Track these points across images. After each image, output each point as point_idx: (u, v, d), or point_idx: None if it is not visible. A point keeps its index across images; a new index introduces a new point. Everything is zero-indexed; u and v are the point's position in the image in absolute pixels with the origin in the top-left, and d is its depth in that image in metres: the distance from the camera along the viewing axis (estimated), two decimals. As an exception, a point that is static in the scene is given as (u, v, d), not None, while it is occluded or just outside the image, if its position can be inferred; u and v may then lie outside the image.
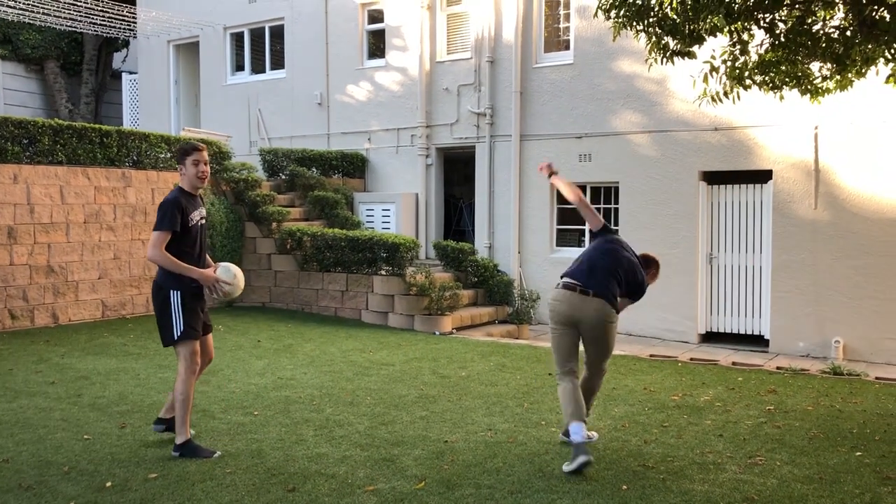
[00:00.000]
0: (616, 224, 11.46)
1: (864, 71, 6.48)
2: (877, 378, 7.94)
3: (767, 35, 6.31)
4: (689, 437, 5.58)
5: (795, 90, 6.94)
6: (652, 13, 6.07)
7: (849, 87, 6.91)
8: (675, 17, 5.95)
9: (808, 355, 9.74)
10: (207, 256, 5.24)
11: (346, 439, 5.41)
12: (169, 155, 11.43)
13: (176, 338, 4.93)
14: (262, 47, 15.65)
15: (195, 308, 5.01)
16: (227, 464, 4.86)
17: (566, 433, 5.14)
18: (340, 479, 4.62)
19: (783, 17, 6.20)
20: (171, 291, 4.93)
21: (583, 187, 11.86)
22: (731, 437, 5.60)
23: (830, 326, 9.71)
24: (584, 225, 11.90)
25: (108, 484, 4.49)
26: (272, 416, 5.95)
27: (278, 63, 15.37)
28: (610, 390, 7.04)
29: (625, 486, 4.55)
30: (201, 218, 5.18)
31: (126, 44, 19.24)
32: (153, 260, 4.89)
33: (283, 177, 13.30)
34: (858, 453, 5.26)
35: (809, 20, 6.11)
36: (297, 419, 5.90)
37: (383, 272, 10.81)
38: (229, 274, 5.05)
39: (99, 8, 14.45)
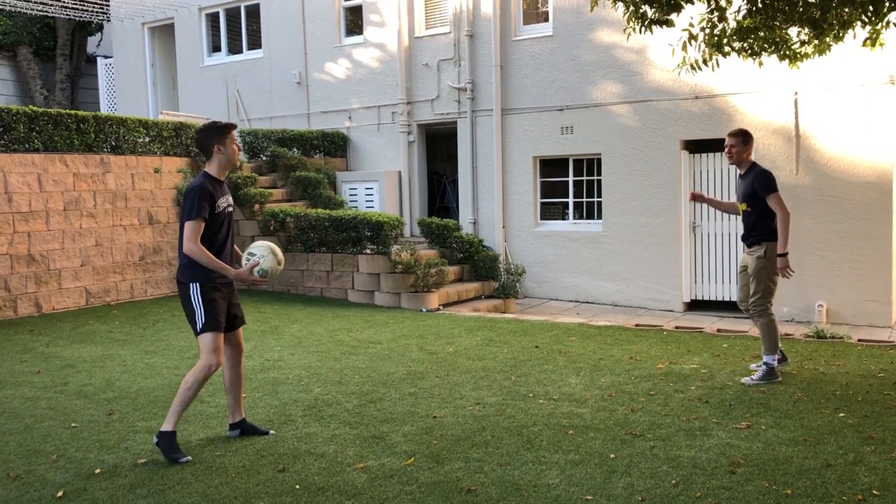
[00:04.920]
0: (599, 196, 11.48)
1: (841, 35, 6.49)
2: (859, 340, 8.03)
3: (745, 1, 6.30)
4: (676, 405, 5.64)
5: (774, 56, 6.96)
6: (628, -19, 6.04)
7: (827, 52, 6.92)
8: (651, -16, 5.93)
9: (793, 320, 9.83)
10: (235, 247, 4.96)
11: (335, 418, 5.42)
12: (148, 139, 11.32)
13: (199, 329, 4.68)
14: (238, 27, 15.46)
15: (217, 298, 4.72)
16: (217, 446, 4.87)
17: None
18: (330, 457, 4.64)
19: (760, -17, 6.19)
20: (191, 284, 4.68)
21: (565, 160, 11.86)
22: (717, 403, 5.66)
23: (813, 291, 9.80)
24: (567, 198, 11.92)
25: (97, 471, 4.49)
26: (260, 398, 5.95)
27: (255, 43, 15.20)
28: (596, 360, 7.09)
29: (613, 455, 4.60)
30: (228, 205, 4.87)
31: (100, 27, 18.96)
32: (190, 254, 4.60)
33: (264, 158, 13.21)
34: (842, 415, 5.33)
35: (786, -16, 6.10)
36: (286, 400, 5.90)
37: (368, 251, 10.79)
38: (266, 261, 4.70)
39: (70, -9, 14.23)
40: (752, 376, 6.24)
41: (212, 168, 4.79)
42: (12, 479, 4.40)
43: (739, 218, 10.34)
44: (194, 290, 4.68)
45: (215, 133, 4.77)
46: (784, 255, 6.04)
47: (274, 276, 4.82)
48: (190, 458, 4.61)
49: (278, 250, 4.82)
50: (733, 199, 10.35)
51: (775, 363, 6.23)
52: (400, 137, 13.19)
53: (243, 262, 4.77)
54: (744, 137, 6.31)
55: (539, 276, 11.90)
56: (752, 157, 6.41)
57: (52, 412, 5.68)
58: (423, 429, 5.15)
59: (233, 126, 4.86)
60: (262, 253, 4.74)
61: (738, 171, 6.40)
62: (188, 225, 4.60)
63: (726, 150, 6.34)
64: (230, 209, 4.90)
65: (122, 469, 4.51)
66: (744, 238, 6.39)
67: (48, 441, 5.04)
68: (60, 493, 4.17)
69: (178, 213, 11.56)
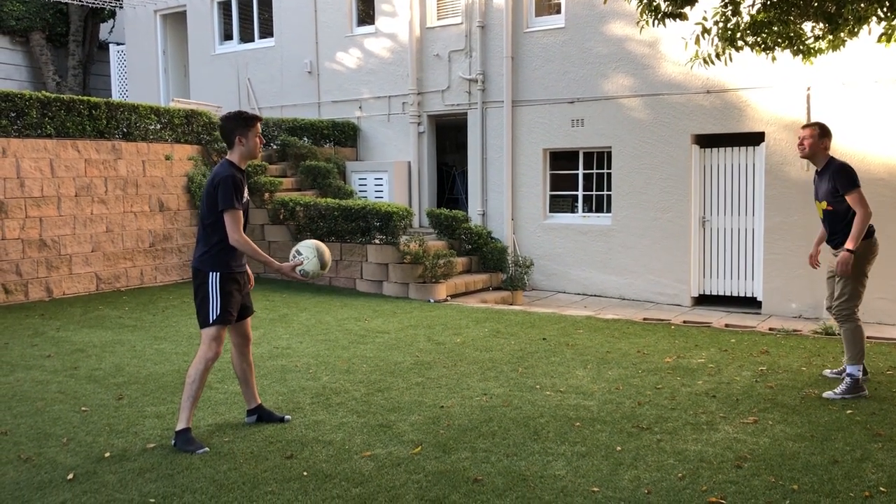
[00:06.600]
0: (609, 189, 11.45)
1: (856, 30, 6.45)
2: (868, 337, 7.97)
3: (759, -5, 6.27)
4: (683, 399, 5.64)
5: (787, 51, 6.92)
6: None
7: (841, 47, 6.88)
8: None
9: (801, 316, 9.81)
10: None
11: (343, 406, 5.45)
12: (159, 126, 11.35)
13: (211, 321, 4.64)
14: (250, 15, 15.46)
15: (233, 291, 4.72)
16: (225, 432, 4.90)
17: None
18: (338, 445, 4.67)
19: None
20: (210, 273, 4.65)
21: (575, 153, 11.84)
22: (724, 398, 5.66)
23: (822, 287, 9.72)
24: (576, 191, 11.90)
25: (107, 454, 4.53)
26: (269, 385, 5.98)
27: (267, 31, 15.20)
28: (604, 353, 7.10)
29: (619, 448, 4.61)
30: (248, 193, 4.88)
31: (112, 14, 18.99)
32: (236, 245, 4.61)
33: (275, 147, 13.23)
34: (849, 411, 5.33)
35: (801, -21, 6.07)
36: (294, 387, 5.94)
37: (377, 241, 10.80)
38: (309, 264, 4.69)
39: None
40: (836, 389, 5.74)
41: (234, 157, 4.78)
42: (23, 461, 4.44)
43: (747, 214, 10.40)
44: (213, 279, 4.66)
45: (239, 124, 4.75)
46: (851, 251, 5.68)
47: (316, 278, 4.82)
48: (207, 448, 4.59)
49: (326, 252, 4.78)
50: (741, 195, 10.34)
51: (860, 374, 5.77)
52: (410, 128, 13.19)
53: (290, 256, 4.78)
54: (820, 130, 5.84)
55: (547, 268, 11.90)
56: (828, 153, 5.95)
57: (63, 396, 5.73)
58: (430, 418, 5.17)
59: (258, 119, 4.83)
60: (307, 255, 4.71)
61: (815, 168, 5.97)
62: (229, 215, 4.60)
63: (798, 142, 5.94)
64: (249, 198, 4.92)
65: (131, 453, 4.55)
66: (829, 241, 5.99)
67: (58, 424, 5.09)
68: (70, 476, 4.21)
69: (188, 201, 11.60)
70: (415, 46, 12.92)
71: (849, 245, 5.69)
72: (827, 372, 6.38)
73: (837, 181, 5.75)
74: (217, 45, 15.85)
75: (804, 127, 6.00)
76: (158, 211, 11.22)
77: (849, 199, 5.71)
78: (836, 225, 5.86)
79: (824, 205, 5.90)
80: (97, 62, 18.94)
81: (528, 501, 3.88)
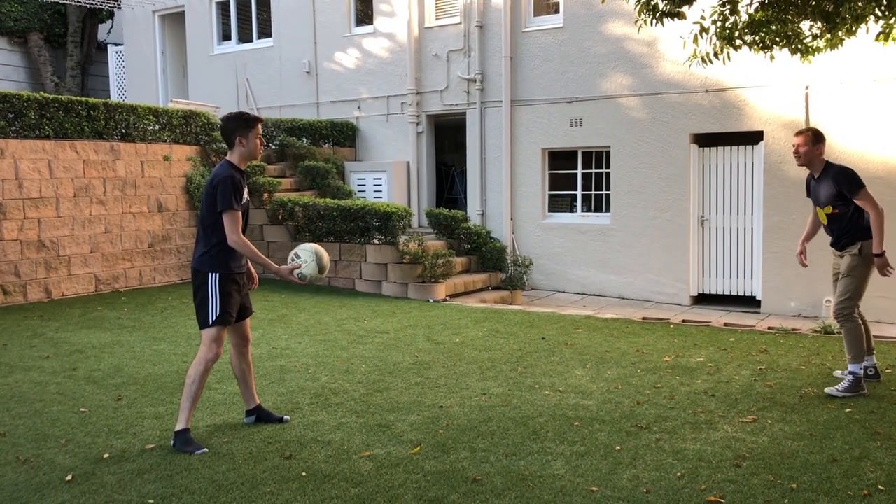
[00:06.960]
0: (608, 188, 11.45)
1: (854, 29, 6.45)
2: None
3: (757, -6, 6.27)
4: (682, 398, 5.64)
5: (786, 50, 6.92)
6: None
7: (839, 46, 6.88)
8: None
9: (800, 315, 9.81)
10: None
11: (342, 407, 5.45)
12: (157, 127, 11.35)
13: (210, 322, 4.64)
14: (248, 15, 15.45)
15: (232, 292, 4.72)
16: (224, 433, 4.90)
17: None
18: (336, 445, 4.67)
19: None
20: (210, 274, 4.64)
21: (574, 152, 11.84)
22: (723, 397, 5.66)
23: (821, 286, 9.75)
24: (575, 190, 11.90)
25: (106, 455, 4.53)
26: (268, 386, 5.98)
27: (265, 31, 15.20)
28: (603, 353, 7.10)
29: (618, 447, 4.61)
30: (248, 194, 4.87)
31: (110, 15, 18.98)
32: (234, 246, 4.59)
33: (273, 147, 13.22)
34: (848, 410, 5.33)
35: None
36: (293, 388, 5.93)
37: (376, 241, 10.80)
38: (307, 267, 4.73)
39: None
40: (837, 387, 5.71)
41: (234, 157, 4.77)
42: (22, 463, 4.44)
43: (745, 213, 10.40)
44: (213, 279, 4.66)
45: (240, 125, 4.74)
46: (881, 254, 5.66)
47: (314, 281, 4.84)
48: (206, 449, 4.58)
49: (325, 256, 4.82)
50: (740, 194, 10.34)
51: (861, 372, 5.72)
52: (409, 128, 13.18)
53: (289, 259, 4.78)
54: (814, 136, 5.85)
55: (546, 268, 11.90)
56: (824, 157, 5.94)
57: (61, 397, 5.73)
58: (429, 418, 5.17)
59: (258, 120, 4.82)
60: (306, 258, 4.73)
61: (812, 174, 5.97)
62: (228, 216, 4.59)
63: (793, 149, 5.93)
64: (248, 198, 4.91)
65: (130, 454, 4.55)
66: (834, 244, 5.95)
67: (57, 425, 5.08)
68: (69, 477, 4.21)
69: (187, 202, 11.59)
70: (413, 46, 12.92)
71: (877, 250, 5.70)
72: (838, 373, 6.29)
73: (842, 185, 5.74)
74: (215, 46, 15.84)
75: (797, 133, 5.99)
76: (157, 211, 11.22)
77: (858, 201, 5.71)
78: (843, 227, 5.84)
79: (829, 209, 5.86)
80: (95, 63, 18.92)
81: (527, 501, 3.88)
